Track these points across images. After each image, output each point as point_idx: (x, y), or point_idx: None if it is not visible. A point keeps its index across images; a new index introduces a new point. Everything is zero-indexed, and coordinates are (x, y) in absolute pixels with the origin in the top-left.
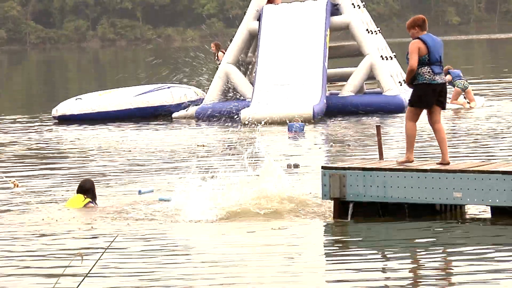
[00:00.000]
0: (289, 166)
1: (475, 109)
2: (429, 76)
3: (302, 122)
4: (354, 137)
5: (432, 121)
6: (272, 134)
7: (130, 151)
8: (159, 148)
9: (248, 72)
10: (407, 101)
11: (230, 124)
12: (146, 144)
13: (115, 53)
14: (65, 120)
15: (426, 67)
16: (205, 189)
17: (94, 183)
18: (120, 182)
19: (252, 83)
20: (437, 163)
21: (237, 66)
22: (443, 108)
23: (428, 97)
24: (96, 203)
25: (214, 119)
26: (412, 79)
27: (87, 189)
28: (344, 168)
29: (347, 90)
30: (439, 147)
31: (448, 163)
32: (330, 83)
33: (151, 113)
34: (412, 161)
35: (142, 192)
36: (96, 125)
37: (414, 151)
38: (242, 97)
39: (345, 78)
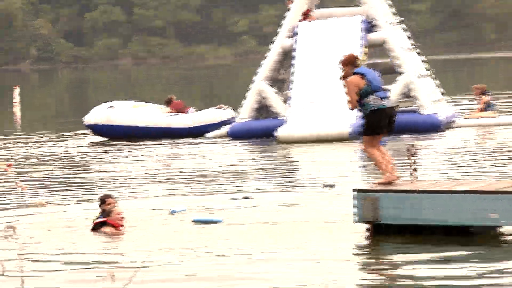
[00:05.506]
0: (323, 186)
1: (504, 127)
2: (376, 102)
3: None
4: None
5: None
6: (311, 152)
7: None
8: (191, 168)
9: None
10: (363, 130)
11: (264, 142)
12: (178, 163)
13: (146, 71)
14: (95, 130)
15: (371, 96)
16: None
17: (104, 199)
18: (155, 202)
19: (285, 101)
20: (378, 183)
21: (270, 84)
22: (391, 131)
23: (380, 123)
24: (104, 217)
25: (248, 138)
26: (363, 112)
27: (100, 204)
28: (377, 191)
29: None
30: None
31: (389, 182)
32: None
33: (179, 134)
34: (391, 180)
35: (175, 212)
36: (125, 143)
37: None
38: (275, 115)
39: None
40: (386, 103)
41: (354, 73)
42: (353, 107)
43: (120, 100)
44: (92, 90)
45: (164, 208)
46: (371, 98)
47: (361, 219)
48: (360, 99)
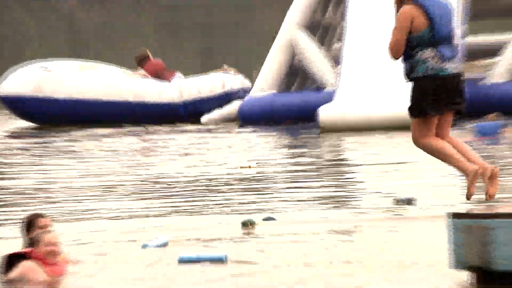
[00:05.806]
0: (398, 201)
1: None
2: (436, 63)
3: (495, 120)
4: (504, 155)
5: (442, 134)
6: (373, 145)
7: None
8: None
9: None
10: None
11: (297, 129)
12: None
13: (103, 16)
14: (17, 106)
15: (429, 50)
16: None
17: (32, 220)
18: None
19: (333, 62)
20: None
21: (309, 33)
22: (460, 112)
23: (433, 96)
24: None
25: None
26: (409, 71)
27: (24, 230)
28: (487, 215)
29: (495, 74)
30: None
31: (496, 173)
32: (466, 61)
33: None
34: (479, 170)
35: (149, 246)
36: (67, 129)
37: None
38: (316, 85)
39: (490, 53)
40: (450, 67)
41: (415, 3)
42: (395, 53)
43: (59, 58)
44: (14, 43)
45: (132, 238)
46: (428, 54)
47: (461, 264)
48: (409, 47)
